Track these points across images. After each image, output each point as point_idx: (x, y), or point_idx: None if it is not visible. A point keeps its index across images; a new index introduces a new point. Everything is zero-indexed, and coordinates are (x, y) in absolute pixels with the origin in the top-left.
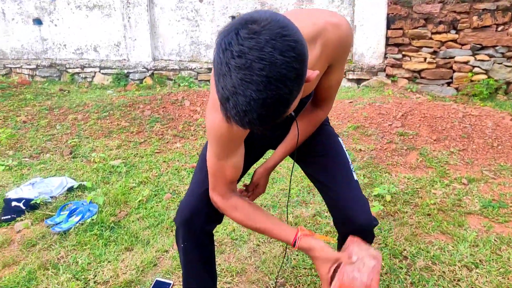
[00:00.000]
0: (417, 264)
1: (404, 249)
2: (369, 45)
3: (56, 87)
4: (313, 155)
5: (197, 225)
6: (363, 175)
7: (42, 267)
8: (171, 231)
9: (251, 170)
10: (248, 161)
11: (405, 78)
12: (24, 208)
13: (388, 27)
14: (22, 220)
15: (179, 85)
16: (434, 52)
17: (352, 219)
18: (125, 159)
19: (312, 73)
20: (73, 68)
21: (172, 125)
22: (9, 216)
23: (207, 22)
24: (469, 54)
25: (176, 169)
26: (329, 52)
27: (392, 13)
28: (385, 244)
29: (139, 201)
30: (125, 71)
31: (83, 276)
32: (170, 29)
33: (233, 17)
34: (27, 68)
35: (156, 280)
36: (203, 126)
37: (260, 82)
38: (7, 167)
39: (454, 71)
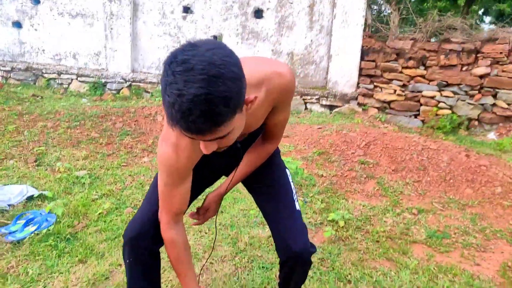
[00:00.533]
0: None
1: (350, 273)
2: (343, 74)
3: (29, 92)
4: (261, 185)
5: (143, 244)
6: (321, 200)
7: None
8: None
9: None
10: (202, 186)
11: (375, 107)
12: None
13: (362, 59)
14: None
15: (156, 99)
16: (404, 85)
17: (290, 246)
18: (90, 171)
19: (250, 96)
20: (50, 73)
21: (142, 139)
22: None
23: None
24: (435, 90)
25: (140, 183)
26: (273, 97)
27: (367, 46)
28: (332, 268)
29: (99, 214)
30: (103, 80)
31: (31, 287)
32: (152, 43)
33: (215, 37)
34: (1, 70)
35: None
36: None
37: (202, 79)
38: None
39: (421, 105)
